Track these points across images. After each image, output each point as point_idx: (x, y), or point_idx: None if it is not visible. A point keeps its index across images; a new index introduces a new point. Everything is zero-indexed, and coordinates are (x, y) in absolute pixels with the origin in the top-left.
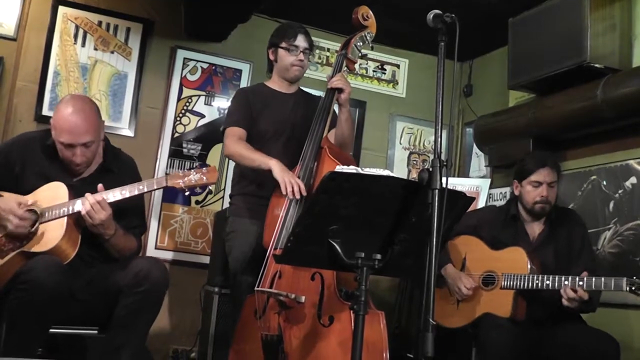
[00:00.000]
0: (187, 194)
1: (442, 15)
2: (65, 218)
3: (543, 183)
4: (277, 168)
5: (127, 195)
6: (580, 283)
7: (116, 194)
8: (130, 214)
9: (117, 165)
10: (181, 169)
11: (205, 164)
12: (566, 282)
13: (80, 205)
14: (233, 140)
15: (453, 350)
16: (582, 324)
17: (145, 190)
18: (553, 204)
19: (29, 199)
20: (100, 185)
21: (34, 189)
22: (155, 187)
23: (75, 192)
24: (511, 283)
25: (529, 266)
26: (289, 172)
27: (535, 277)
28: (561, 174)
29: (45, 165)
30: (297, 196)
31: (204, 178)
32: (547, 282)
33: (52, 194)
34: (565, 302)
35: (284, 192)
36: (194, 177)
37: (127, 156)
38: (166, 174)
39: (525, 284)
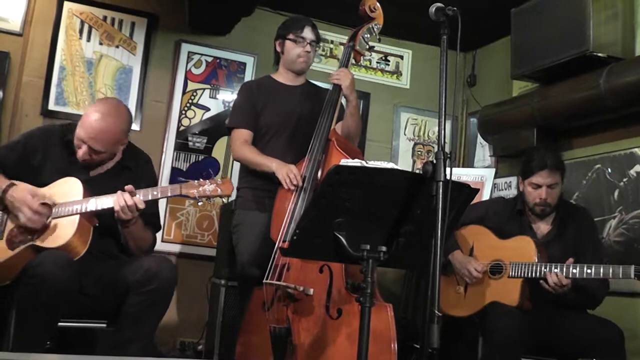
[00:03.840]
0: (200, 204)
1: (444, 9)
2: (78, 216)
3: (542, 185)
4: (277, 168)
5: (150, 198)
6: (589, 271)
7: (140, 195)
8: (146, 212)
9: (135, 163)
10: (187, 162)
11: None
12: (574, 271)
13: (93, 205)
14: (238, 144)
15: (459, 340)
16: (586, 312)
17: (159, 196)
18: (554, 204)
19: (44, 191)
20: (129, 187)
21: (50, 182)
22: (169, 194)
23: (92, 187)
24: (519, 272)
25: (536, 255)
26: (287, 165)
27: (542, 266)
28: (565, 172)
29: (64, 160)
30: (294, 183)
31: (219, 190)
32: (555, 270)
33: (67, 190)
34: (547, 287)
35: (285, 187)
36: (208, 187)
37: (144, 154)
38: (180, 181)
39: (533, 272)
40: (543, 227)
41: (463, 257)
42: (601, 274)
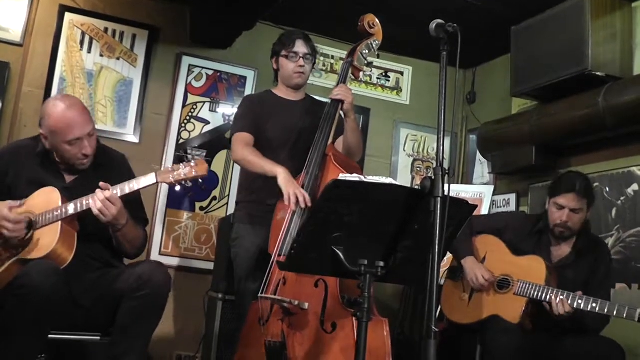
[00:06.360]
0: (177, 188)
1: (444, 25)
2: (60, 222)
3: (565, 208)
4: (282, 177)
5: (127, 191)
6: (594, 305)
7: (117, 190)
8: (131, 207)
9: (109, 160)
10: None
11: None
12: (580, 301)
13: (72, 208)
14: (240, 146)
15: (458, 351)
16: (587, 332)
17: (136, 188)
18: (575, 229)
19: (22, 205)
20: (102, 184)
21: (27, 197)
22: (144, 185)
23: (71, 193)
24: (525, 291)
25: (546, 277)
26: (294, 182)
27: (549, 290)
28: (593, 201)
29: (37, 172)
30: (302, 206)
31: (194, 171)
32: (561, 297)
33: (45, 200)
34: (549, 310)
35: (286, 203)
36: (183, 171)
37: (116, 151)
38: (155, 170)
39: (539, 294)
40: (560, 251)
41: (474, 263)
42: (606, 311)
